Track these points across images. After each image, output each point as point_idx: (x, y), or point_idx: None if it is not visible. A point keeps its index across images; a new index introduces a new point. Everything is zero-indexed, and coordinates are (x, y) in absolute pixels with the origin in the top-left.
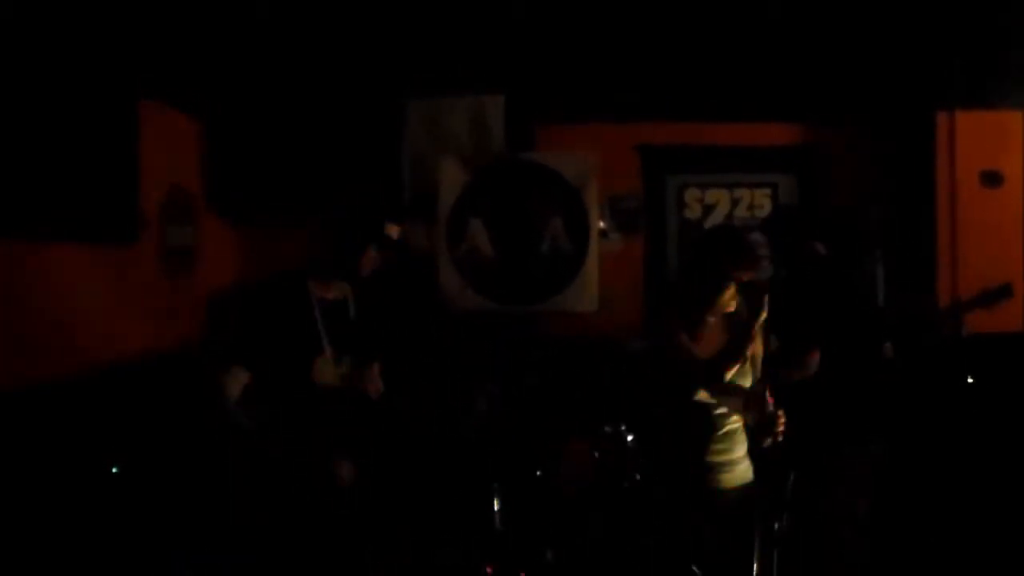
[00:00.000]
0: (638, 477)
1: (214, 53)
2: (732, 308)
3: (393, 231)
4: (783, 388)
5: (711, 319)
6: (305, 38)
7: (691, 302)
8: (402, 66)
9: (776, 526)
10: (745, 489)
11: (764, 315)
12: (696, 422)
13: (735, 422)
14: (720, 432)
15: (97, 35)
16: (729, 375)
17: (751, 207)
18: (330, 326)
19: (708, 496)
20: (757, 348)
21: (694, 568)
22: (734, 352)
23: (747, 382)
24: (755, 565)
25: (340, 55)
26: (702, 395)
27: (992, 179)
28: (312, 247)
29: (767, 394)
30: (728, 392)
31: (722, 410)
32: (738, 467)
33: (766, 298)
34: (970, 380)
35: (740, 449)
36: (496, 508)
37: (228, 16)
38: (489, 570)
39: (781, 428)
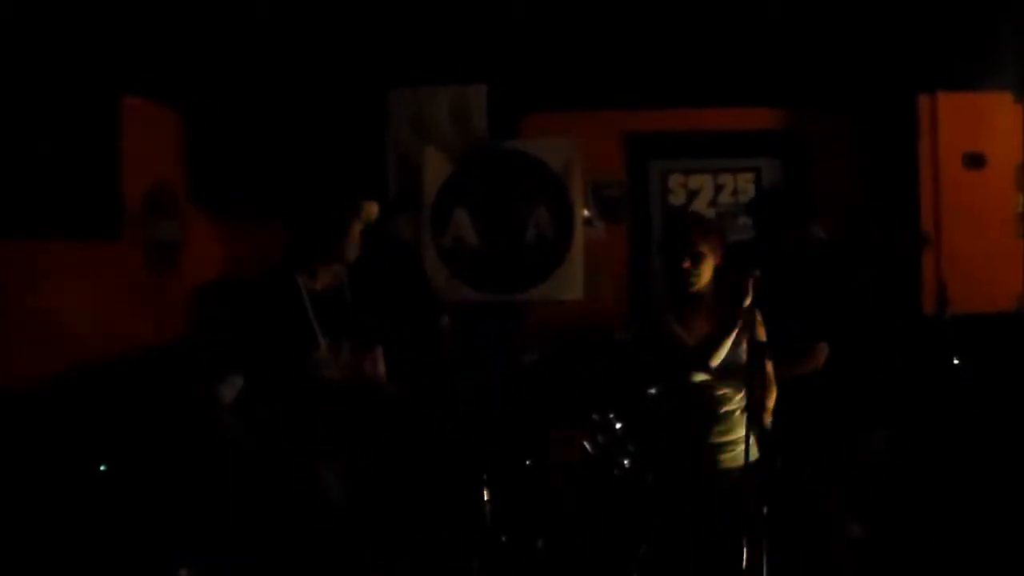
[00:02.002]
0: (627, 464)
1: (196, 46)
2: (700, 281)
3: (372, 209)
4: (789, 380)
5: (693, 297)
6: (287, 30)
7: (667, 281)
8: (385, 57)
9: (764, 510)
10: (747, 469)
11: (749, 300)
12: (697, 404)
13: (736, 403)
14: (721, 413)
15: (78, 30)
16: (716, 360)
17: (735, 192)
18: (324, 318)
19: (711, 478)
20: (757, 333)
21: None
22: (720, 337)
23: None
24: (745, 550)
25: (322, 47)
26: (702, 376)
27: (975, 161)
28: (294, 239)
29: (768, 369)
30: (729, 373)
31: (722, 391)
32: (739, 447)
33: (751, 282)
34: (956, 361)
35: (740, 430)
36: (486, 499)
37: (210, 9)
38: None
39: (771, 404)
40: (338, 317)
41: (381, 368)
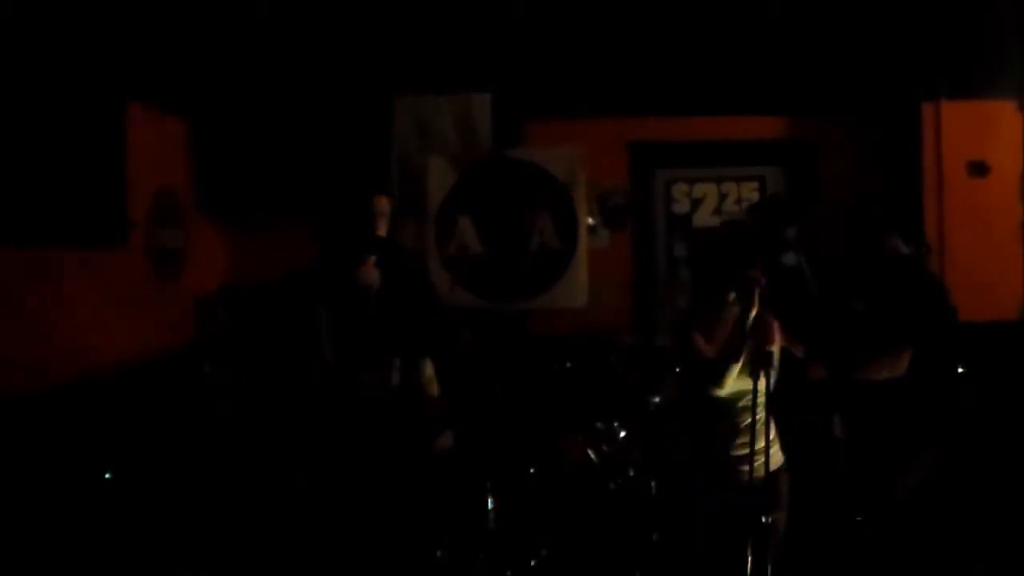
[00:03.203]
0: (631, 472)
1: (202, 54)
2: (754, 309)
3: (383, 202)
4: (866, 384)
5: (726, 318)
6: (292, 38)
7: (705, 303)
8: (390, 64)
9: (765, 519)
10: (777, 474)
11: (755, 310)
12: (719, 416)
13: (758, 414)
14: (743, 425)
15: (84, 38)
16: (731, 375)
17: (739, 201)
18: (337, 327)
19: (730, 489)
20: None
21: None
22: (734, 351)
23: (747, 383)
24: (748, 558)
25: (328, 55)
26: (725, 391)
27: (979, 169)
28: (319, 245)
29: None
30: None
31: (744, 403)
32: (760, 458)
33: (756, 293)
34: (960, 369)
35: (761, 440)
36: (489, 506)
37: (215, 17)
38: None
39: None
40: (353, 328)
41: (372, 276)
